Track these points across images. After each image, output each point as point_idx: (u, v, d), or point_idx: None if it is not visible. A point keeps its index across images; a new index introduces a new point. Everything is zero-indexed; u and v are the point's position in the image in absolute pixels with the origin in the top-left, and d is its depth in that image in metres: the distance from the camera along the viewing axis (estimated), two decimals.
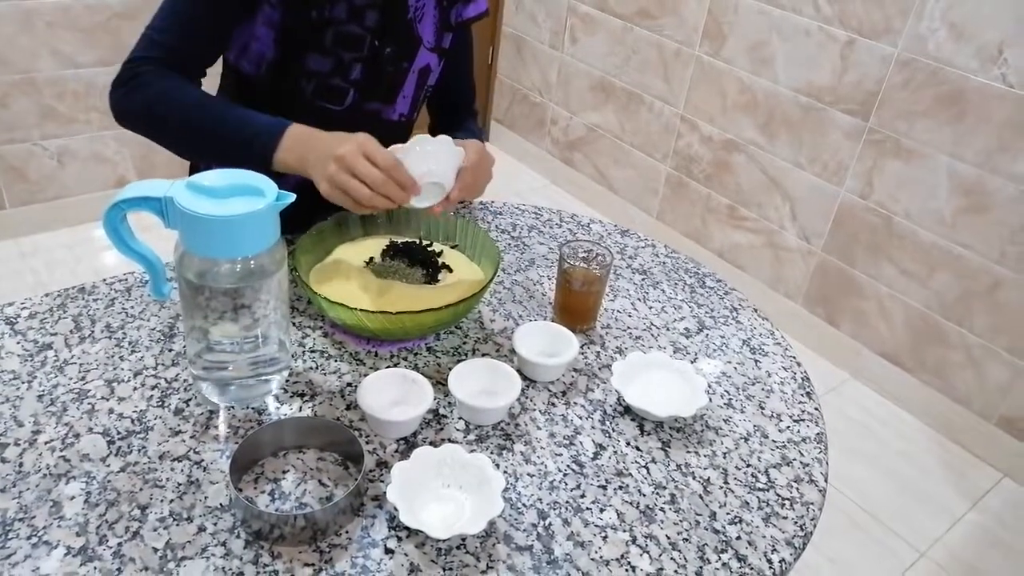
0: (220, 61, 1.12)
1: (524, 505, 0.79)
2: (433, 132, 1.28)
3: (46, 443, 0.79)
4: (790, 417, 0.97)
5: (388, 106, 1.14)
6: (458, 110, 1.27)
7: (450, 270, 1.05)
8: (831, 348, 2.52)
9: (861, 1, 2.17)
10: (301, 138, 0.94)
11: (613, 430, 0.90)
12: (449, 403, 0.90)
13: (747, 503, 0.83)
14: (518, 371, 0.92)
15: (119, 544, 0.70)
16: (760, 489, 0.85)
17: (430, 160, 0.93)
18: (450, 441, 0.85)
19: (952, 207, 2.13)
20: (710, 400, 0.97)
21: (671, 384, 0.94)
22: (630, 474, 0.85)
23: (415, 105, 1.18)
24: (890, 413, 2.36)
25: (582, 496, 0.81)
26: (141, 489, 0.75)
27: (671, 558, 0.76)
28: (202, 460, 0.79)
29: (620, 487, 0.83)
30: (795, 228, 2.53)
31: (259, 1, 1.00)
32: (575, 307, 1.04)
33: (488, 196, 1.19)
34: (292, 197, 0.77)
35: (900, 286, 2.30)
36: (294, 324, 0.99)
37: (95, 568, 0.68)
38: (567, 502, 0.80)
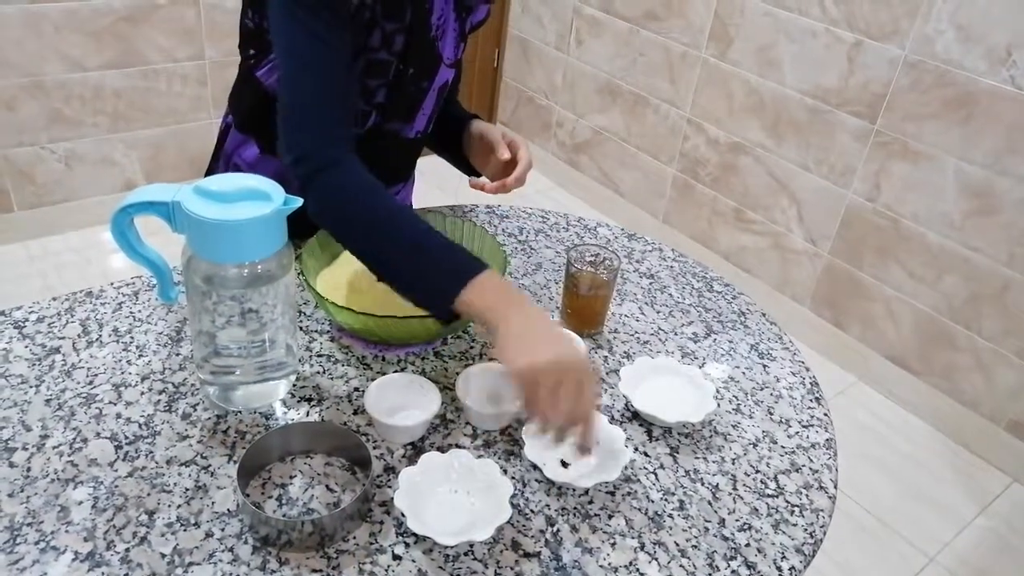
0: (237, 66, 1.11)
1: (532, 511, 0.79)
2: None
3: (54, 448, 0.79)
4: (799, 423, 0.96)
5: (407, 125, 1.13)
6: (449, 101, 1.26)
7: None
8: (838, 351, 2.51)
9: (868, 3, 2.16)
10: (508, 296, 0.82)
11: None
12: (456, 408, 0.90)
13: (756, 510, 0.83)
14: None
15: (126, 549, 0.70)
16: (769, 495, 0.85)
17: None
18: (457, 446, 0.85)
19: (960, 209, 2.12)
20: (718, 406, 0.96)
21: (679, 390, 0.94)
22: (638, 480, 0.84)
23: (431, 121, 1.17)
24: (898, 417, 2.35)
25: (590, 502, 0.81)
26: (149, 494, 0.75)
27: (680, 565, 0.75)
28: (209, 465, 0.79)
29: (628, 493, 0.82)
30: (802, 231, 2.52)
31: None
32: (582, 311, 1.04)
33: (494, 200, 1.19)
34: (299, 202, 0.77)
35: (908, 289, 2.29)
36: (301, 328, 0.99)
37: (103, 573, 0.68)
38: (575, 508, 0.80)
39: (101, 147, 2.64)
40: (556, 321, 0.80)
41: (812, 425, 0.96)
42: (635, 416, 0.93)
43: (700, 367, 1.03)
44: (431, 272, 0.85)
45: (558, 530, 0.77)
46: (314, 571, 0.70)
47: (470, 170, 1.19)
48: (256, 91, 1.06)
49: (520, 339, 0.78)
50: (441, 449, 0.83)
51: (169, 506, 0.74)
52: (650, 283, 1.19)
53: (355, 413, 0.87)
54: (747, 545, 0.79)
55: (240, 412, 0.86)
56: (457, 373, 0.89)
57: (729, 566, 0.76)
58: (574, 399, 0.76)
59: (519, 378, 0.77)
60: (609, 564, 0.75)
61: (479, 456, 0.82)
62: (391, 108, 1.08)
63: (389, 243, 0.87)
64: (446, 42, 1.10)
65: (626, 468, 0.85)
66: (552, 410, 0.76)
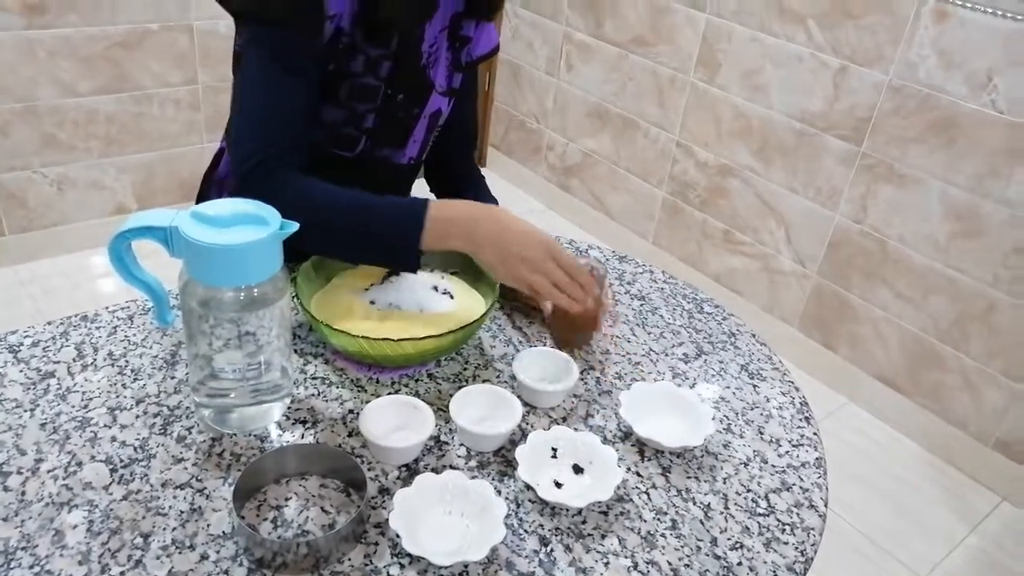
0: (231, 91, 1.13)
1: (526, 531, 0.79)
2: (431, 165, 1.29)
3: (48, 471, 0.79)
4: (789, 442, 0.97)
5: (399, 151, 1.14)
6: (458, 143, 1.27)
7: (451, 296, 1.06)
8: (828, 372, 2.53)
9: (853, 29, 2.20)
10: (451, 221, 0.94)
11: None
12: (450, 429, 0.90)
13: (748, 528, 0.84)
14: (518, 397, 0.92)
15: (121, 573, 0.70)
16: (760, 514, 0.86)
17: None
18: (451, 467, 0.85)
19: (945, 231, 2.15)
20: (720, 431, 0.97)
21: (677, 414, 0.94)
22: (631, 500, 0.85)
23: (424, 148, 1.18)
24: (887, 437, 2.36)
25: (583, 522, 0.81)
26: (143, 517, 0.75)
27: None
28: (204, 488, 0.79)
29: (621, 513, 0.83)
30: (790, 252, 2.54)
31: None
32: (570, 326, 1.05)
33: None
34: (296, 226, 0.78)
35: (895, 310, 2.32)
36: (296, 351, 1.00)
37: None
38: (568, 528, 0.80)
39: (92, 171, 2.65)
40: (512, 218, 0.96)
41: (802, 444, 0.97)
42: (627, 436, 0.93)
43: (691, 387, 1.04)
44: (383, 241, 0.95)
45: (552, 550, 0.78)
46: None
47: None
48: None
49: (500, 258, 0.94)
50: (435, 470, 0.84)
51: (164, 529, 0.75)
52: (641, 305, 1.21)
53: (350, 435, 0.88)
54: (739, 564, 0.79)
55: (235, 435, 0.86)
56: (451, 395, 0.90)
57: None
58: (568, 281, 0.95)
59: (518, 288, 0.96)
60: None
61: (473, 477, 0.83)
62: (381, 134, 1.09)
63: (333, 235, 0.96)
64: (438, 70, 1.11)
65: (619, 488, 0.85)
66: (564, 299, 0.95)
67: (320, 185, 0.96)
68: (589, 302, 0.98)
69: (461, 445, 0.89)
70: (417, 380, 0.98)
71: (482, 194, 1.24)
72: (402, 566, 0.74)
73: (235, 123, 0.99)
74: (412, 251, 0.94)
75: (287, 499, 0.79)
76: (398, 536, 0.73)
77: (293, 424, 0.89)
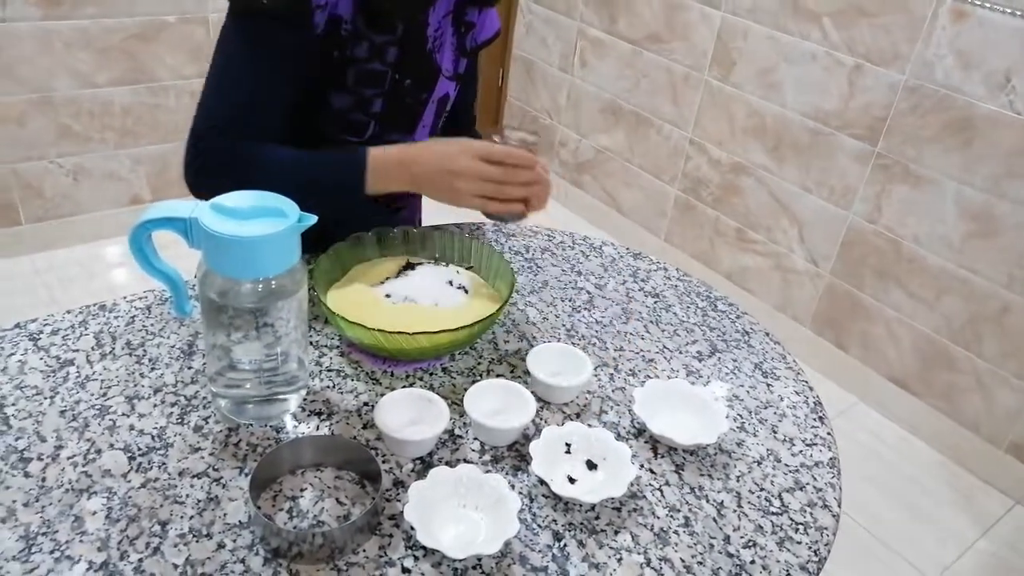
0: None
1: (539, 526, 0.80)
2: None
3: (68, 458, 0.80)
4: (803, 441, 0.97)
5: (408, 136, 1.15)
6: (462, 125, 1.30)
7: (466, 291, 1.06)
8: (839, 372, 2.52)
9: (868, 28, 2.19)
10: (393, 164, 1.00)
11: None
12: (464, 423, 0.91)
13: (761, 527, 0.84)
14: (532, 392, 0.93)
15: (140, 560, 0.71)
16: (774, 513, 0.86)
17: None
18: (465, 461, 0.86)
19: (960, 232, 2.14)
20: (734, 429, 0.97)
21: (691, 412, 0.95)
22: (644, 496, 0.85)
23: (433, 133, 1.19)
24: (899, 438, 2.35)
25: (597, 518, 0.82)
26: (161, 505, 0.76)
27: None
28: (221, 477, 0.80)
29: (634, 509, 0.83)
30: (803, 251, 2.54)
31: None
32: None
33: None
34: (314, 219, 0.79)
35: (908, 310, 2.31)
36: (311, 343, 1.00)
37: None
38: (582, 523, 0.81)
39: (108, 162, 2.67)
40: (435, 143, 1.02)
41: (816, 444, 0.97)
42: (640, 432, 0.94)
43: (705, 385, 1.04)
44: (329, 189, 1.01)
45: (565, 545, 0.78)
46: None
47: None
48: None
49: (438, 186, 1.00)
50: (450, 464, 0.84)
51: (182, 517, 0.75)
52: (655, 302, 1.21)
53: (364, 427, 0.89)
54: (752, 562, 0.79)
55: (251, 425, 0.87)
56: (465, 389, 0.90)
57: None
58: (504, 172, 0.99)
59: (474, 208, 1.02)
60: None
61: (487, 471, 0.83)
62: (390, 119, 1.10)
63: (280, 189, 0.91)
64: (444, 54, 1.12)
65: (632, 484, 0.85)
66: (507, 196, 1.01)
67: (260, 145, 0.99)
68: (540, 171, 1.02)
69: (475, 439, 0.89)
70: (431, 374, 0.98)
71: None
72: (416, 558, 0.74)
73: (197, 106, 1.01)
74: (356, 196, 1.00)
75: (302, 490, 0.80)
76: (412, 528, 0.73)
77: (309, 416, 0.89)
